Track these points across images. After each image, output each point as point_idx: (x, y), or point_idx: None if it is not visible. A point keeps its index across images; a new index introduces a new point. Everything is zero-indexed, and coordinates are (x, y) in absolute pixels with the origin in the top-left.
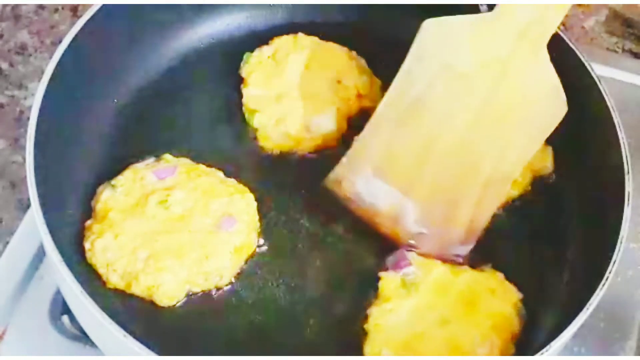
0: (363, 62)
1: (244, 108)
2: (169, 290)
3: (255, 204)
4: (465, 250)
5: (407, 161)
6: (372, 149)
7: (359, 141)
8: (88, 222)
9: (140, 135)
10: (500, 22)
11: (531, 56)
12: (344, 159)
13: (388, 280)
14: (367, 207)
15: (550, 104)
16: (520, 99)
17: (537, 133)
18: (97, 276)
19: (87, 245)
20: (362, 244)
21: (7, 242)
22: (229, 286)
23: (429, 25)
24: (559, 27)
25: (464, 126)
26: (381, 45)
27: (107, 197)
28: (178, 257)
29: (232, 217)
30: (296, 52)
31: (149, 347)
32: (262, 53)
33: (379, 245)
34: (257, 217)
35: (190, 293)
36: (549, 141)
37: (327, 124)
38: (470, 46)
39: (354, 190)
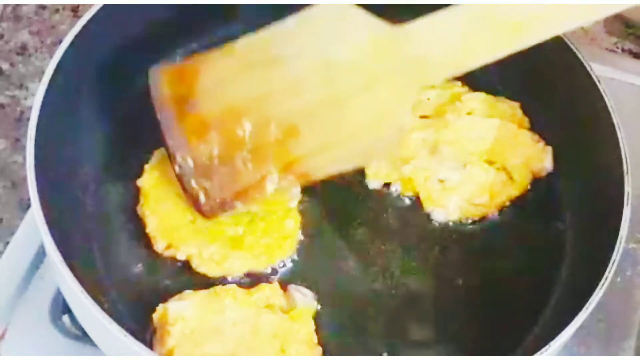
0: None
1: None
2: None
3: None
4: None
5: (228, 101)
6: (211, 70)
7: (206, 58)
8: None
9: (141, 135)
10: (396, 41)
11: (402, 89)
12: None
13: None
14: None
15: (386, 140)
16: (365, 117)
17: (359, 154)
18: (97, 276)
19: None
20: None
21: (8, 242)
22: None
23: (337, 6)
24: None
25: (302, 107)
26: None
27: None
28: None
29: None
30: None
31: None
32: None
33: None
34: None
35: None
36: (548, 141)
37: None
38: (357, 45)
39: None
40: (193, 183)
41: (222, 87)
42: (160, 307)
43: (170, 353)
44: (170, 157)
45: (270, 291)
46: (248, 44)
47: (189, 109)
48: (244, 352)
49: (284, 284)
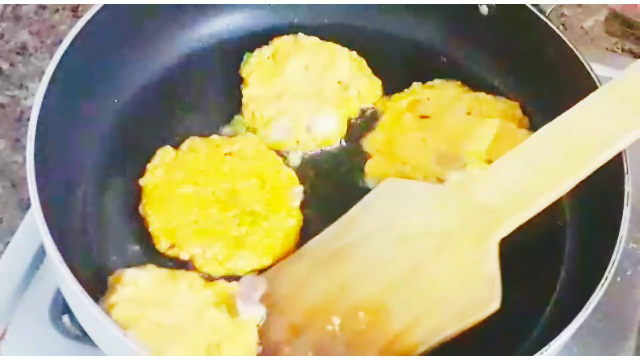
0: (363, 62)
1: (243, 108)
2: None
3: None
4: None
5: (311, 303)
6: (284, 278)
7: (278, 267)
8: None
9: (140, 135)
10: (456, 197)
11: (478, 240)
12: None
13: None
14: None
15: (481, 294)
16: (451, 277)
17: (458, 316)
18: (97, 276)
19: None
20: None
21: (8, 242)
22: None
23: (388, 184)
24: (558, 27)
25: (384, 285)
26: (381, 46)
27: None
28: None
29: None
30: (296, 52)
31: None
32: (262, 53)
33: None
34: None
35: None
36: None
37: (327, 124)
38: (420, 213)
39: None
40: None
41: (302, 291)
42: (119, 271)
43: (110, 309)
44: None
45: (220, 290)
46: (317, 242)
47: (275, 317)
48: (180, 331)
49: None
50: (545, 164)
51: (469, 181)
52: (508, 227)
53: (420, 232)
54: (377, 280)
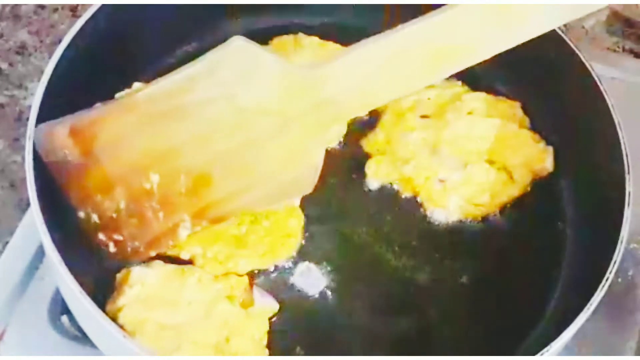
0: None
1: None
2: None
3: None
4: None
5: (132, 157)
6: (108, 126)
7: (104, 113)
8: None
9: None
10: (305, 83)
11: (314, 130)
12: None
13: None
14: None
15: (302, 180)
16: (279, 159)
17: (274, 196)
18: (97, 276)
19: None
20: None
21: (7, 242)
22: None
23: (239, 48)
24: (559, 27)
25: (213, 155)
26: None
27: None
28: None
29: None
30: (296, 52)
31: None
32: None
33: None
34: None
35: None
36: (549, 141)
37: None
38: (265, 89)
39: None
40: (101, 236)
41: (124, 144)
42: (125, 270)
43: (118, 311)
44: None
45: (235, 282)
46: (150, 96)
47: (90, 167)
48: (187, 330)
49: (281, 282)
50: (401, 67)
51: (322, 69)
52: (343, 120)
53: (261, 108)
54: (208, 148)
